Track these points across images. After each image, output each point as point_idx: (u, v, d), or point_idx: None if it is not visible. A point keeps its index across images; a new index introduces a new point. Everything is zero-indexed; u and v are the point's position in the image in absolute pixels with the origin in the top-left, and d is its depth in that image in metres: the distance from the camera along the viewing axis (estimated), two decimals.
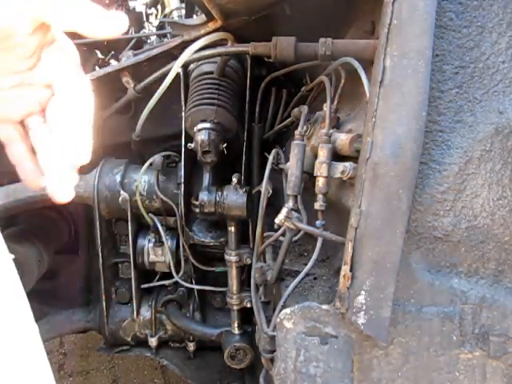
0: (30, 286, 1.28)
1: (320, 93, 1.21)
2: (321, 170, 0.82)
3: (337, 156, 0.85)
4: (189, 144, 1.18)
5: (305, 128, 0.97)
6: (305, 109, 1.03)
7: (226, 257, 1.26)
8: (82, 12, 0.49)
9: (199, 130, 1.15)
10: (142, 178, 1.25)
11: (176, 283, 1.37)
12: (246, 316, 1.33)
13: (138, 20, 2.18)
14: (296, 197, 0.89)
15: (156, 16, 2.36)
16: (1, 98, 0.53)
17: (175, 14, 2.15)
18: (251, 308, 1.08)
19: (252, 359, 1.29)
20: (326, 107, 0.91)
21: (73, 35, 0.53)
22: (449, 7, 0.78)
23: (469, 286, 0.80)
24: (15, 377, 0.52)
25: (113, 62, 1.74)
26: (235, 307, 1.29)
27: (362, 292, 0.74)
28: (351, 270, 0.75)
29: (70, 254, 1.57)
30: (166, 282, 1.38)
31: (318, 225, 0.85)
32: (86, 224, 1.46)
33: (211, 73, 1.23)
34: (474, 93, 0.79)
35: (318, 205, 0.84)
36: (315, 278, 1.00)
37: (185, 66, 1.23)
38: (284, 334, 0.80)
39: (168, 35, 1.77)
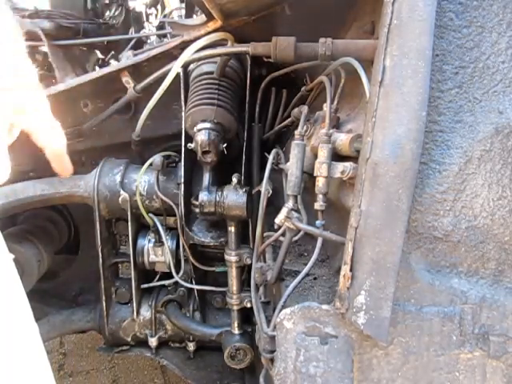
0: (30, 286, 1.29)
1: (320, 93, 1.21)
2: (321, 170, 0.83)
3: (337, 156, 0.85)
4: (189, 144, 1.18)
5: (305, 128, 0.97)
6: (305, 109, 1.03)
7: (226, 257, 1.26)
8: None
9: (199, 130, 1.15)
10: (142, 178, 1.25)
11: (176, 283, 1.37)
12: (246, 316, 1.33)
13: (138, 20, 2.18)
14: (296, 197, 0.89)
15: (156, 16, 2.37)
16: None
17: (175, 14, 2.16)
18: (251, 308, 1.08)
19: (252, 359, 1.29)
20: (326, 107, 0.91)
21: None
22: (449, 7, 0.78)
23: (469, 286, 0.80)
24: (15, 377, 0.52)
25: (113, 62, 1.74)
26: (235, 307, 1.29)
27: (362, 292, 0.74)
28: (351, 270, 0.75)
29: (69, 254, 1.58)
30: (166, 282, 1.38)
31: (317, 225, 0.85)
32: (86, 224, 1.45)
33: (211, 73, 1.23)
34: (473, 93, 0.79)
35: (318, 205, 0.84)
36: (315, 278, 1.00)
37: (185, 66, 1.23)
38: (284, 334, 0.80)
39: (168, 35, 1.77)
